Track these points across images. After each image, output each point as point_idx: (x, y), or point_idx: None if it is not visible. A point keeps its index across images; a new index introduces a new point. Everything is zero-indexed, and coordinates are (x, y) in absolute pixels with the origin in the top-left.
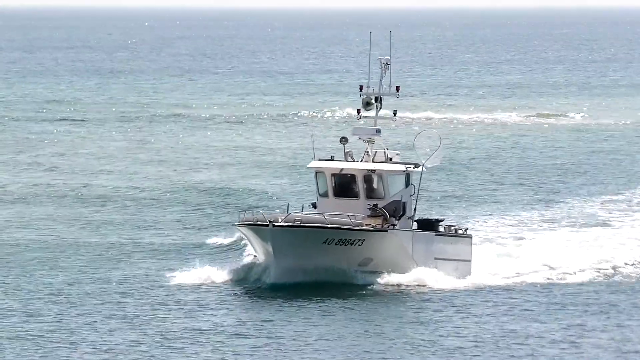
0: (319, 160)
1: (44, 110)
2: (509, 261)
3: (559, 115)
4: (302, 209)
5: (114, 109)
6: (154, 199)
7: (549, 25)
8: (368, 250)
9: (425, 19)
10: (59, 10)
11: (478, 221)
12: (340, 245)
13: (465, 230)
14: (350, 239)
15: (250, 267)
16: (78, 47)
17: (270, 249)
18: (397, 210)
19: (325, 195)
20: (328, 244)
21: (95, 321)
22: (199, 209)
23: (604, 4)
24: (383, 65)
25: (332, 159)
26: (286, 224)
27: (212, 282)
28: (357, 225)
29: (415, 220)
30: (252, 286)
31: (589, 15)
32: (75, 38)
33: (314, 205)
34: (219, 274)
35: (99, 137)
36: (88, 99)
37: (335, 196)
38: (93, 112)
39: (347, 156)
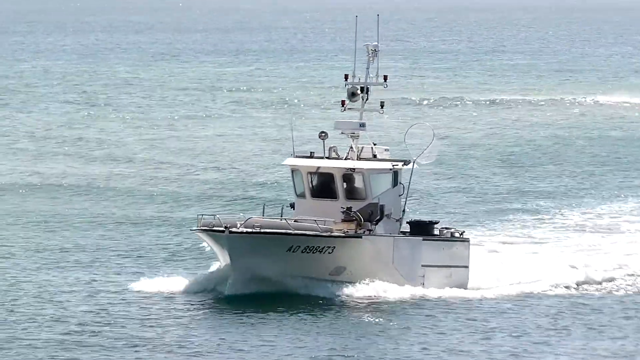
0: (296, 156)
1: None
2: (516, 267)
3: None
4: (282, 210)
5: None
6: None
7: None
8: (340, 259)
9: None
10: None
11: (488, 224)
12: (308, 253)
13: (462, 234)
14: (319, 246)
15: (211, 276)
16: None
17: (228, 258)
18: (374, 213)
19: (302, 195)
20: (293, 251)
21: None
22: (183, 205)
23: None
24: (370, 52)
25: (311, 155)
26: (245, 229)
27: (170, 292)
28: (326, 231)
29: (407, 222)
30: (209, 298)
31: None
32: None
33: (292, 206)
34: (179, 283)
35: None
36: None
37: (313, 197)
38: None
39: (331, 152)
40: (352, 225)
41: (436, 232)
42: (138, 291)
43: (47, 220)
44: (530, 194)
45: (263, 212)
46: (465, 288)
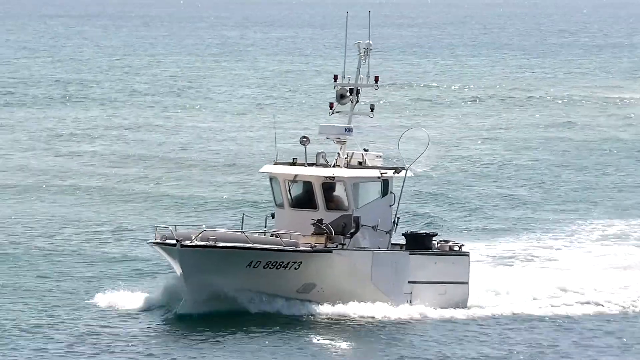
0: (276, 163)
1: None
2: (524, 283)
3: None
4: (265, 221)
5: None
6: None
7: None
8: (308, 275)
9: None
10: None
11: (498, 237)
12: (270, 268)
13: (461, 247)
14: (283, 262)
15: (166, 291)
16: None
17: (180, 273)
18: (348, 226)
19: (281, 205)
20: (254, 267)
21: None
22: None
23: None
24: (362, 51)
25: (294, 162)
26: (199, 243)
27: (124, 308)
28: (291, 245)
29: (403, 235)
30: (161, 316)
31: None
32: None
33: (273, 216)
34: (135, 299)
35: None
36: None
37: (292, 207)
38: None
39: (319, 158)
40: (322, 239)
41: (434, 245)
42: (93, 305)
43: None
44: (545, 204)
45: (242, 223)
46: (465, 306)
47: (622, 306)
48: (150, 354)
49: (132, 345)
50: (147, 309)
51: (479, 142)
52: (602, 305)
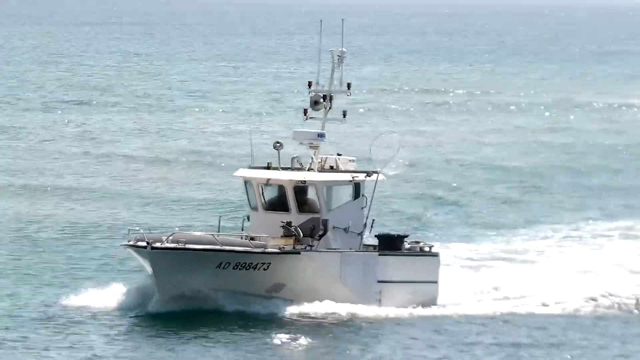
0: (250, 168)
1: None
2: (496, 282)
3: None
4: (243, 223)
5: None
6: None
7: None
8: (277, 276)
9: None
10: None
11: (470, 238)
12: (240, 269)
13: (431, 248)
14: (252, 263)
15: (138, 291)
16: None
17: (151, 273)
18: (316, 228)
19: (255, 208)
20: (224, 268)
21: None
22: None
23: None
24: (336, 59)
25: (268, 166)
26: (168, 245)
27: (96, 308)
28: (260, 247)
29: (375, 236)
30: (134, 314)
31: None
32: None
33: (249, 218)
34: (107, 298)
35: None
36: None
37: (265, 210)
38: None
39: (294, 163)
40: (290, 241)
41: (405, 246)
42: (67, 305)
43: None
44: (517, 205)
45: (219, 225)
46: (435, 305)
47: (585, 306)
48: (122, 351)
49: (105, 343)
50: (120, 307)
51: (455, 145)
52: (563, 305)
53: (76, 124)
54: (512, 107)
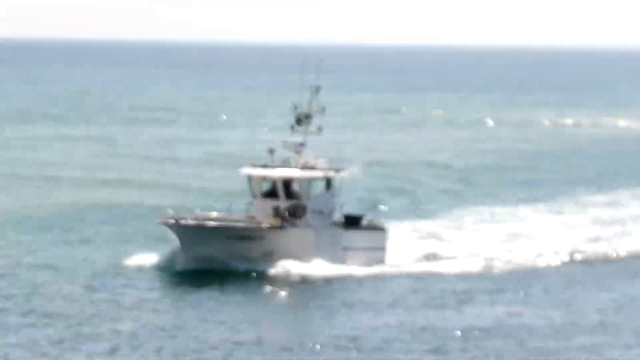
0: (252, 166)
1: None
2: (432, 249)
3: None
4: (248, 207)
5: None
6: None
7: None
8: (268, 245)
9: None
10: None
11: (416, 218)
12: (242, 240)
13: (382, 224)
14: (250, 235)
15: (171, 256)
16: None
17: (178, 243)
18: (298, 211)
19: (255, 196)
20: (230, 239)
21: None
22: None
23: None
24: (314, 89)
25: (264, 165)
26: (190, 222)
27: (144, 267)
28: (256, 224)
29: (343, 216)
30: (167, 272)
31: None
32: None
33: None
34: (151, 259)
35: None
36: None
37: (262, 197)
38: None
39: (285, 163)
40: (279, 220)
41: (364, 222)
42: (123, 264)
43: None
44: (453, 193)
45: (230, 208)
46: (384, 265)
47: (494, 264)
48: (156, 297)
49: (145, 290)
50: (158, 266)
51: (405, 150)
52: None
53: (151, 135)
54: (450, 123)
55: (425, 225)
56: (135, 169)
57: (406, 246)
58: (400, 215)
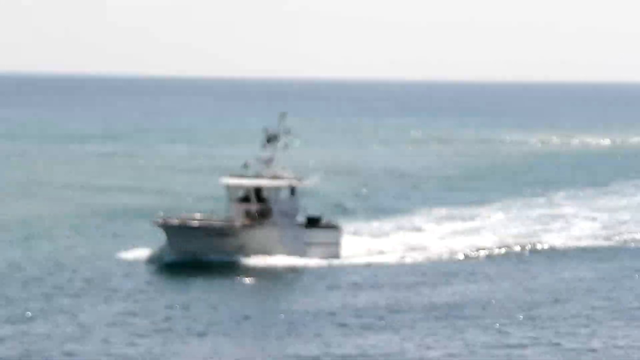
0: (230, 176)
1: None
2: (380, 246)
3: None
4: (227, 210)
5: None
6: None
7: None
8: (240, 240)
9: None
10: None
11: (370, 219)
12: (219, 236)
13: (337, 224)
14: (226, 232)
15: (159, 250)
16: None
17: (166, 239)
18: (266, 212)
19: (232, 201)
20: (209, 236)
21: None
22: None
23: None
24: (281, 116)
25: (241, 176)
26: (176, 222)
27: (139, 259)
28: (231, 223)
29: (305, 217)
30: (157, 263)
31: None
32: None
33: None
34: (143, 253)
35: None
36: None
37: (238, 202)
38: None
39: (257, 174)
40: (250, 220)
41: (322, 222)
42: (119, 257)
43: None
44: (406, 195)
45: (210, 212)
46: (338, 258)
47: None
48: (148, 282)
49: (137, 279)
50: (149, 259)
51: (366, 159)
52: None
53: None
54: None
55: (376, 224)
56: (136, 178)
57: (358, 242)
58: (355, 216)
